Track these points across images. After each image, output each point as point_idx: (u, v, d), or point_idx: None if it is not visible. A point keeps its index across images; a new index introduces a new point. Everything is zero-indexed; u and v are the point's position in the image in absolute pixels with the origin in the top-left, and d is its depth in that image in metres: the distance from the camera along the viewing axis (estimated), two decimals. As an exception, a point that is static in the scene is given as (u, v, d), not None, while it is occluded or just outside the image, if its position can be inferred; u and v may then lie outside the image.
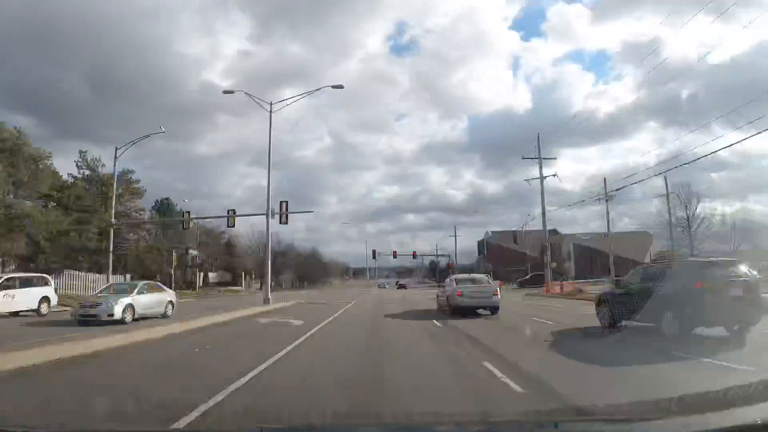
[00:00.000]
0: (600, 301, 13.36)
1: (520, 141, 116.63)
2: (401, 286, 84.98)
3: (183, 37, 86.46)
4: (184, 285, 51.38)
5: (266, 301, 26.46)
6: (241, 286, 66.01)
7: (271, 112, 26.26)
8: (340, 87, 25.72)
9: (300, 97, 27.68)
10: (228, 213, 34.17)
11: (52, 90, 63.28)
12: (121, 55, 69.13)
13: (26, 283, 19.42)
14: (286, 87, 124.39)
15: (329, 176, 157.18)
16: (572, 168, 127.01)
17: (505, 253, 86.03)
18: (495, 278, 76.28)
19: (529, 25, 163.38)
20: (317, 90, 27.43)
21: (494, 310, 18.60)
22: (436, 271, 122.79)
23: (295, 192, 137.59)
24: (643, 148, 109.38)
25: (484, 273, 37.79)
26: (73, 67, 70.01)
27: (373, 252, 57.13)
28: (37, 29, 57.57)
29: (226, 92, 29.15)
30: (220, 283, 65.83)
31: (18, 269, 27.70)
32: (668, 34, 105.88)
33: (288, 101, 26.34)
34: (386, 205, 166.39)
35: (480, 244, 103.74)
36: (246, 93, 27.16)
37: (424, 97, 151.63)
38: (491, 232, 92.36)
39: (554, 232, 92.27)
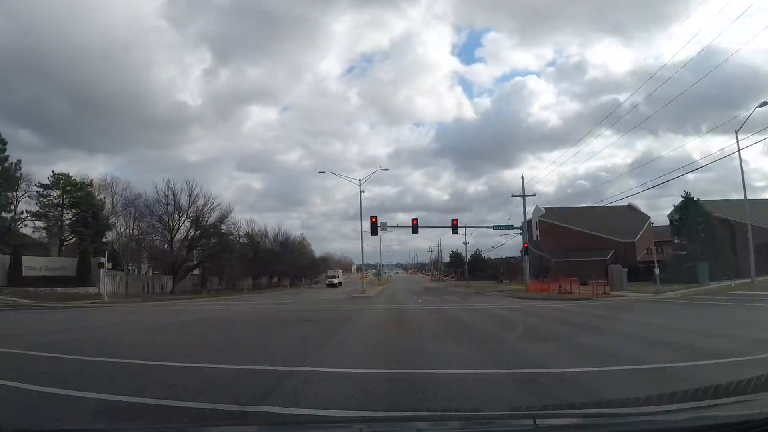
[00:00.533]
0: None
1: (481, 145, 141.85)
2: None
3: (157, 65, 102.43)
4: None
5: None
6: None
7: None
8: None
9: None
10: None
11: (50, 109, 77.96)
12: (106, 80, 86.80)
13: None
14: (252, 104, 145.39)
15: (312, 179, 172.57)
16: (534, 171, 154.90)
17: (568, 238, 68.06)
18: (556, 272, 58.91)
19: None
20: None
21: None
22: (463, 264, 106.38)
23: (284, 193, 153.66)
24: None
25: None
26: (66, 90, 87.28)
27: (373, 221, 38.62)
28: (37, 61, 72.72)
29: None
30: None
31: None
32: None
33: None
34: (372, 204, 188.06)
35: (526, 227, 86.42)
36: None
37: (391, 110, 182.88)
38: (544, 208, 74.36)
39: (630, 208, 74.66)
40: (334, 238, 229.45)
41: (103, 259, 37.35)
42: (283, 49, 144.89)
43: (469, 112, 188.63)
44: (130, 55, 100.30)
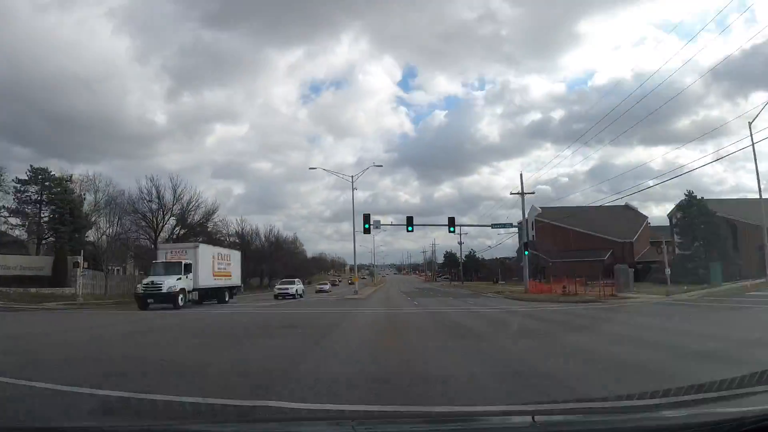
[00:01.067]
0: None
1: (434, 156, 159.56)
2: None
3: (128, 91, 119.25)
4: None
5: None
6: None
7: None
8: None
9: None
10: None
11: (34, 125, 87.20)
12: (84, 102, 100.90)
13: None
14: (216, 123, 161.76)
15: (289, 184, 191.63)
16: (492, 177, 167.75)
17: (565, 237, 66.29)
18: (552, 272, 57.10)
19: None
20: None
21: None
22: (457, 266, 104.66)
23: (262, 197, 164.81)
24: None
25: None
26: (47, 110, 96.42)
27: (366, 218, 36.03)
28: (22, 86, 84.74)
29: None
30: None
31: None
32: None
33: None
34: (347, 207, 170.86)
35: (525, 225, 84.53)
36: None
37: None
38: (541, 208, 72.51)
39: (627, 208, 73.04)
40: (318, 239, 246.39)
41: (79, 258, 34.95)
42: (237, 78, 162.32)
43: (418, 129, 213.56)
44: (104, 83, 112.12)
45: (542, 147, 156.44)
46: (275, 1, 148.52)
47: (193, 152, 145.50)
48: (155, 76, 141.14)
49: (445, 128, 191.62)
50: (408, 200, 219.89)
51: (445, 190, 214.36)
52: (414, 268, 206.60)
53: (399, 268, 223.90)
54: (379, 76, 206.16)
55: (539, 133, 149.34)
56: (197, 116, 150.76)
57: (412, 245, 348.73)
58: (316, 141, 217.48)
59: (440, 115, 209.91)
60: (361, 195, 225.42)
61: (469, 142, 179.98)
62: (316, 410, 5.24)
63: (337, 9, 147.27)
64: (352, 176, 40.88)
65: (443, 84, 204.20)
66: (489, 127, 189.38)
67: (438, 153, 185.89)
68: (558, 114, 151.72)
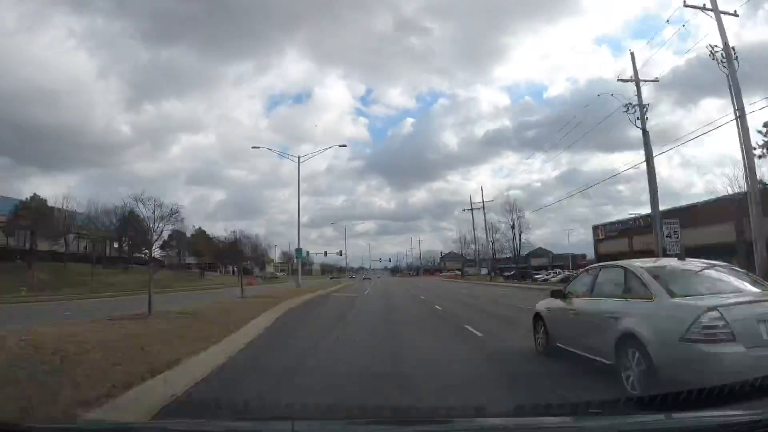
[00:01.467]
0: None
1: (399, 164, 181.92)
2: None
3: (95, 105, 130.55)
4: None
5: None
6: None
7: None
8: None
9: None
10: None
11: (16, 140, 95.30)
12: (53, 115, 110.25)
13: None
14: (181, 133, 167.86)
15: (264, 190, 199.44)
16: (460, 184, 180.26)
17: None
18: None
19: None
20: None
21: None
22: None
23: (240, 203, 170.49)
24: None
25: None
26: (19, 122, 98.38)
27: None
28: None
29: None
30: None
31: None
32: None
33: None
34: (325, 213, 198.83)
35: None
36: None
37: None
38: None
39: None
40: (304, 244, 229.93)
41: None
42: (199, 92, 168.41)
43: (384, 139, 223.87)
44: (70, 96, 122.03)
45: (503, 155, 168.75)
46: (213, 20, 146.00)
47: (164, 161, 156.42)
48: (119, 89, 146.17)
49: (407, 138, 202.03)
50: (384, 205, 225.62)
51: (419, 195, 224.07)
52: (414, 270, 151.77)
53: (394, 270, 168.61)
54: (337, 90, 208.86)
55: (495, 141, 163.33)
56: (162, 127, 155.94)
57: (399, 249, 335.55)
58: (286, 151, 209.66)
59: (402, 126, 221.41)
60: (336, 201, 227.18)
61: (432, 151, 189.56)
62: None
63: (271, 28, 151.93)
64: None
65: (397, 97, 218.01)
66: (448, 136, 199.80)
67: (403, 161, 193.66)
68: (511, 123, 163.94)
